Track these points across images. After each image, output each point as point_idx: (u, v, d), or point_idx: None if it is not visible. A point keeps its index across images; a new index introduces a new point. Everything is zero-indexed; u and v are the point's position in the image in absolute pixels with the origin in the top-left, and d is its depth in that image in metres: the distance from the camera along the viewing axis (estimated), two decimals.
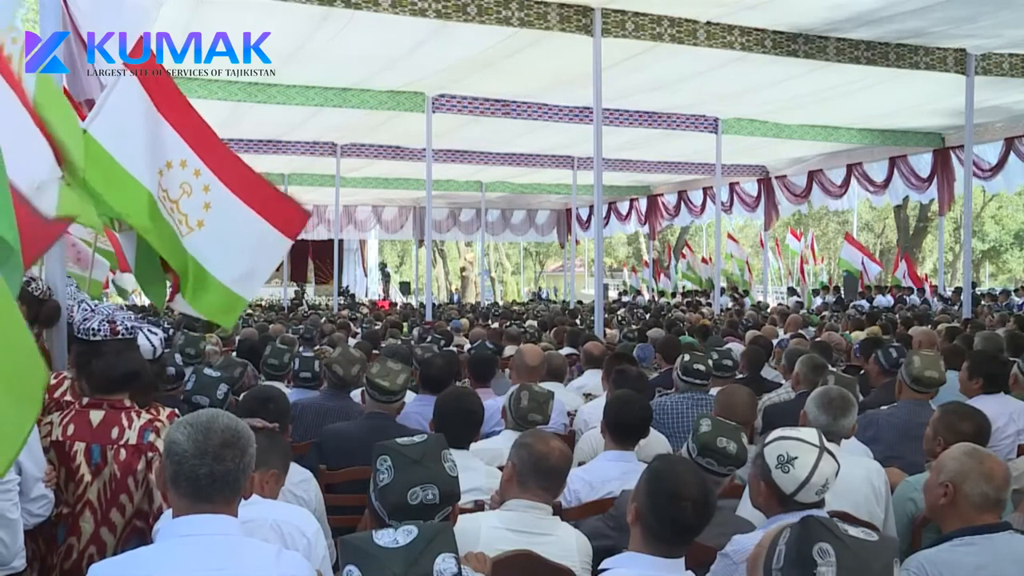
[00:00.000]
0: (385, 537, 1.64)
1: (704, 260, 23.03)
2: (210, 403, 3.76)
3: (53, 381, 2.99)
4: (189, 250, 3.49)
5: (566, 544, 2.61)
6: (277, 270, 25.04)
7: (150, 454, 2.79)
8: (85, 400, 2.86)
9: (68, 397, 2.95)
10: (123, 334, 3.09)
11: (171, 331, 6.59)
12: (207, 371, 3.90)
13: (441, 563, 1.58)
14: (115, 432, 2.79)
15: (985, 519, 2.45)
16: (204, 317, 3.82)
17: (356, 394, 4.57)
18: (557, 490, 2.77)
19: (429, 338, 7.89)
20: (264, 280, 3.98)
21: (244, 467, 1.91)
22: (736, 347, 7.10)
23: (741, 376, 5.63)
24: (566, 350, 7.47)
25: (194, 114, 3.51)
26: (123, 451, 2.77)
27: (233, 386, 3.93)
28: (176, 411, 2.98)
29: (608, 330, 10.10)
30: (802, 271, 20.53)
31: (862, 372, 6.07)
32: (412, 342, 8.08)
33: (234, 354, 6.41)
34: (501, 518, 2.62)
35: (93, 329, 3.02)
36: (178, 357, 5.22)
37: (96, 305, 3.61)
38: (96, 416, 2.82)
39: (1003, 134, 15.11)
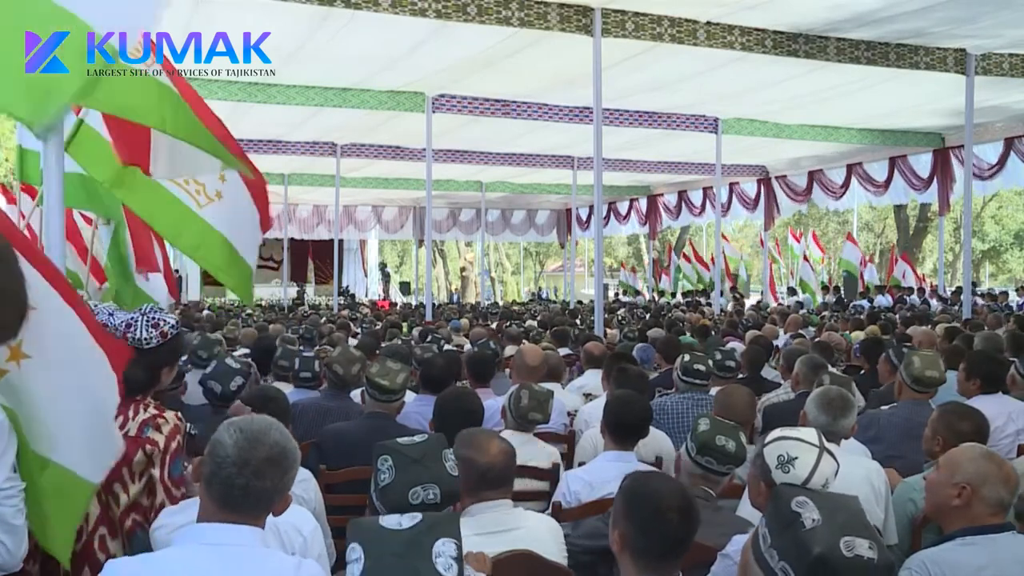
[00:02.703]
0: (390, 520, 1.69)
1: (703, 264, 23.05)
2: (222, 391, 3.82)
3: None
4: (210, 221, 3.50)
5: (537, 533, 2.63)
6: (276, 270, 25.18)
7: (148, 447, 2.78)
8: None
9: None
10: (170, 335, 3.03)
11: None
12: (228, 360, 3.95)
13: (441, 546, 1.60)
14: (119, 420, 2.79)
15: (992, 522, 2.47)
16: (230, 288, 3.87)
17: (356, 394, 4.57)
18: (511, 487, 2.74)
19: (429, 338, 7.89)
20: (254, 261, 3.99)
21: (282, 488, 1.87)
22: (737, 347, 7.10)
23: (741, 376, 5.64)
24: (562, 351, 7.46)
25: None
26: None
27: (247, 381, 3.95)
28: (178, 413, 2.98)
29: (608, 330, 10.10)
30: (812, 269, 20.57)
31: (863, 372, 6.08)
32: (412, 342, 8.08)
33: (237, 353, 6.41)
34: (467, 525, 2.60)
35: (144, 339, 2.96)
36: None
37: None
38: None
39: (1003, 134, 15.11)
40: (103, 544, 2.68)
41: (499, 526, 2.58)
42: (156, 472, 2.75)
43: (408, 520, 1.68)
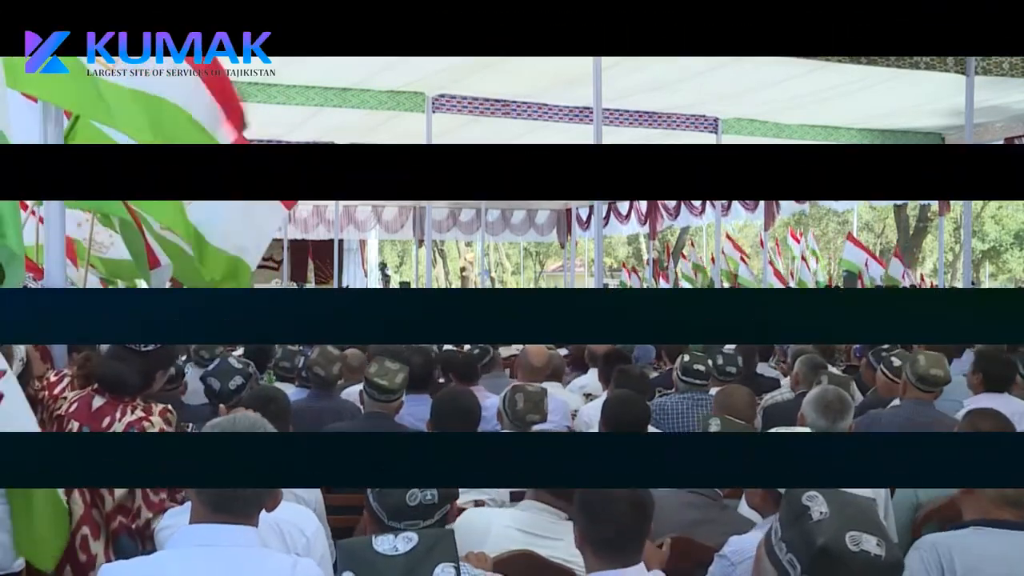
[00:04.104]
0: (384, 544, 1.63)
1: (700, 267, 23.03)
2: (220, 388, 3.82)
3: (53, 378, 3.00)
4: (190, 217, 3.50)
5: (576, 550, 2.62)
6: (277, 270, 25.16)
7: None
8: (95, 384, 2.89)
9: (67, 393, 2.96)
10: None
11: None
12: (231, 360, 3.97)
13: (440, 573, 1.57)
14: (105, 421, 2.81)
15: (1002, 515, 2.46)
16: (209, 282, 3.86)
17: (355, 394, 4.57)
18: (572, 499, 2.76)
19: None
20: (265, 246, 3.97)
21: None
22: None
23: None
24: (560, 351, 7.46)
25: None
26: None
27: (247, 382, 3.95)
28: (169, 407, 2.98)
29: None
30: (808, 269, 20.56)
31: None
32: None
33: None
34: (514, 518, 2.62)
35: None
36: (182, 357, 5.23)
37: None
38: (97, 401, 2.87)
39: (1003, 134, 15.12)
40: (85, 544, 2.69)
41: (546, 532, 2.58)
42: None
43: (403, 543, 1.63)
